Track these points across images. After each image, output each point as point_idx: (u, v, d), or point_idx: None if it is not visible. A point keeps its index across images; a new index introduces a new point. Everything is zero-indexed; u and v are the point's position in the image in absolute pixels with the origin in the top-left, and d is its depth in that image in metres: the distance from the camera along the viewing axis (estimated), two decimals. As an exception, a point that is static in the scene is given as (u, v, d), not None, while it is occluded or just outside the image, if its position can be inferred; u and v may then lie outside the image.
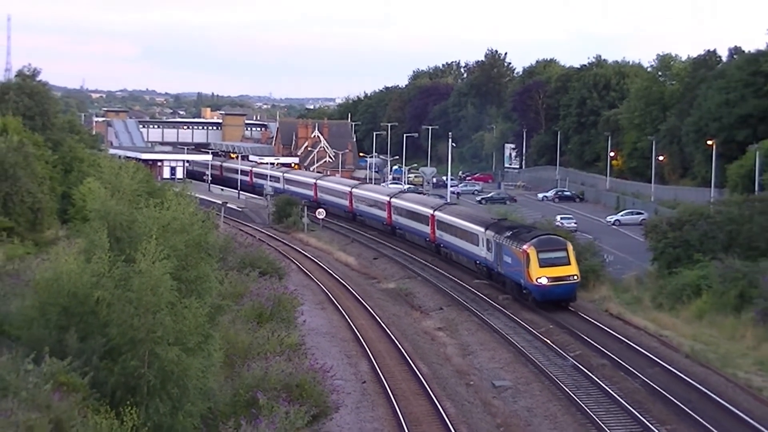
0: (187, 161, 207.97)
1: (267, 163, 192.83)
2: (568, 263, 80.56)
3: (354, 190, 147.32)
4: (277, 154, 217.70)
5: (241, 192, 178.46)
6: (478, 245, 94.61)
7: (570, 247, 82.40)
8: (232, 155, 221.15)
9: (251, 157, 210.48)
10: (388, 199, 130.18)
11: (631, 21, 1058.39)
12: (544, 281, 79.35)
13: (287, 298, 69.10)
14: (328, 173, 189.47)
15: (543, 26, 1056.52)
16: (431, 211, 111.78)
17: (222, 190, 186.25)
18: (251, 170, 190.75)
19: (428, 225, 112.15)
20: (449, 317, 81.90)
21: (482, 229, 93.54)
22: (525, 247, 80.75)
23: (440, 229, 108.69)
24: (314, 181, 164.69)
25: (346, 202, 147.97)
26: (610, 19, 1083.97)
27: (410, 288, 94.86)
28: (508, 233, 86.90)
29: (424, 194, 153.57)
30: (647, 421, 52.79)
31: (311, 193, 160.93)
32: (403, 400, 56.70)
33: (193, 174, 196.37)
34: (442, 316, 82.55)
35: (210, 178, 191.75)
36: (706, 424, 51.10)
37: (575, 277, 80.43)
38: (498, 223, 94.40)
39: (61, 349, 36.56)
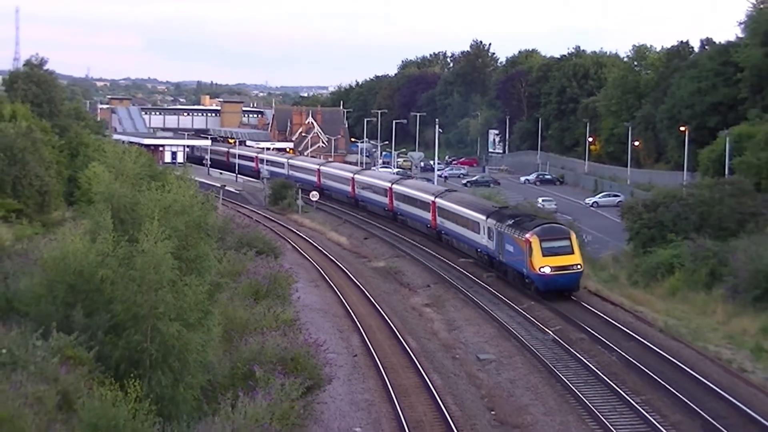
0: (188, 146, 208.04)
1: (271, 150, 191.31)
2: (572, 252, 75.89)
3: (356, 176, 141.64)
4: (272, 140, 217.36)
5: (239, 176, 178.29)
6: (479, 233, 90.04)
7: (573, 236, 77.81)
8: (230, 140, 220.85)
9: (248, 142, 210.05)
10: (389, 185, 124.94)
11: (609, 13, 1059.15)
12: (547, 270, 74.69)
13: (282, 276, 69.08)
14: (332, 160, 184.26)
15: (525, 19, 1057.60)
16: (432, 198, 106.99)
17: (221, 173, 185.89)
18: (256, 156, 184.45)
19: (429, 212, 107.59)
20: (436, 294, 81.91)
21: (483, 217, 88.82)
22: (527, 235, 76.04)
23: (441, 216, 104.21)
24: (317, 167, 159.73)
25: (349, 188, 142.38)
26: (588, 12, 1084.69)
27: (399, 266, 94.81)
28: (510, 222, 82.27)
29: (427, 180, 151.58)
30: (623, 391, 52.87)
31: (314, 179, 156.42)
32: (392, 373, 56.77)
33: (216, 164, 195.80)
34: (429, 293, 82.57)
35: (209, 162, 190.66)
36: (678, 395, 51.21)
37: (579, 267, 75.66)
38: (499, 212, 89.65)
39: (68, 325, 36.62)
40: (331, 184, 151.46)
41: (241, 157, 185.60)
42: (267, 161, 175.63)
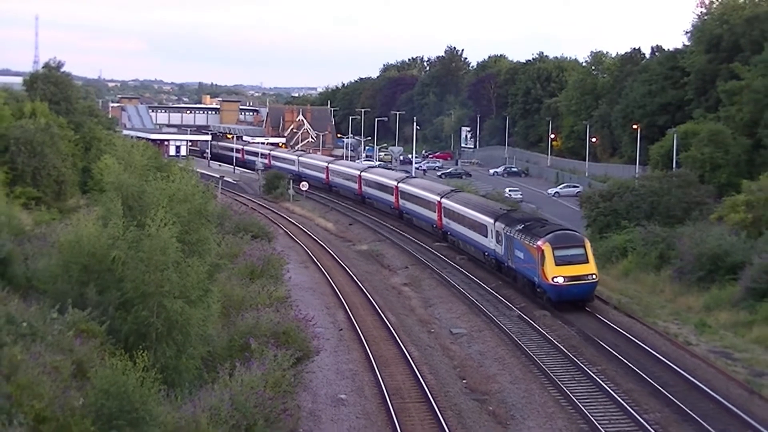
0: (191, 141, 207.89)
1: (281, 147, 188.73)
2: (586, 261, 65.77)
3: (363, 174, 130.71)
4: (267, 135, 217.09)
5: (236, 167, 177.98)
6: (486, 236, 79.41)
7: (587, 244, 67.75)
8: (228, 136, 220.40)
9: (256, 139, 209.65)
10: (395, 183, 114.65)
11: (569, 23, 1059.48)
12: (560, 281, 64.55)
13: (275, 258, 68.97)
14: (340, 157, 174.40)
15: (494, 27, 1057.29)
16: (438, 198, 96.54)
17: (220, 165, 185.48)
18: (269, 153, 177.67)
19: (435, 212, 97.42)
20: (413, 274, 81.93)
21: (491, 220, 78.17)
22: (539, 243, 65.97)
23: (447, 216, 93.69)
24: (326, 164, 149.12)
25: (356, 186, 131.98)
26: (551, 21, 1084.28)
27: (380, 249, 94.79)
28: (520, 226, 71.90)
29: (406, 172, 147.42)
30: (580, 362, 53.01)
31: (323, 176, 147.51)
32: (374, 345, 56.80)
33: (218, 157, 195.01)
34: (407, 274, 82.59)
35: (209, 155, 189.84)
36: (631, 365, 51.40)
37: (593, 276, 65.52)
38: (508, 215, 78.44)
39: (82, 301, 36.59)
40: (338, 181, 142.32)
41: (254, 154, 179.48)
42: (278, 158, 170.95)
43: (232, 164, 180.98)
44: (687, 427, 42.53)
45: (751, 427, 41.66)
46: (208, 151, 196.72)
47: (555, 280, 64.68)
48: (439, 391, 48.50)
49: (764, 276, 60.31)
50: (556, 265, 64.73)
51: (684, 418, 43.48)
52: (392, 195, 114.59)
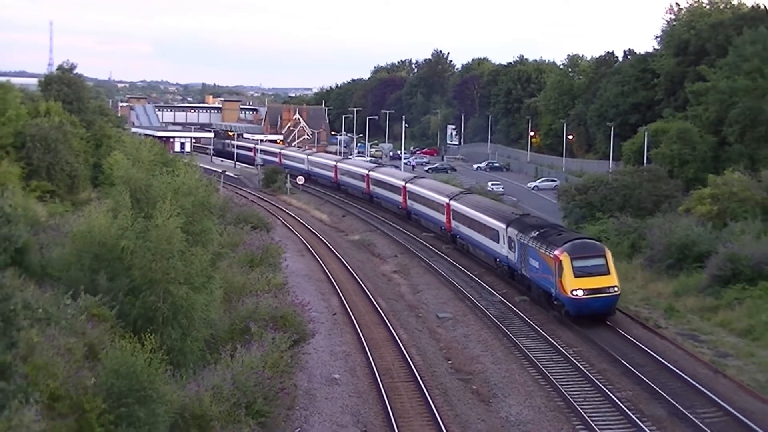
0: (195, 138, 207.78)
1: (293, 145, 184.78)
2: (607, 272, 57.46)
3: (371, 173, 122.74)
4: (265, 133, 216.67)
5: (238, 163, 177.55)
6: (498, 242, 71.51)
7: (608, 254, 59.08)
8: (230, 133, 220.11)
9: (245, 134, 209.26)
10: (403, 184, 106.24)
11: (547, 28, 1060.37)
12: (579, 294, 56.35)
13: (273, 247, 68.99)
14: (350, 157, 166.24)
15: (478, 32, 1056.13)
16: (447, 200, 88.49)
17: (222, 161, 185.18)
18: (280, 152, 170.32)
19: (444, 214, 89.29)
20: (403, 263, 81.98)
21: (503, 225, 70.33)
22: (557, 252, 58.04)
23: (456, 219, 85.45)
24: (335, 163, 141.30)
25: (364, 185, 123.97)
26: (530, 27, 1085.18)
27: (371, 239, 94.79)
28: (534, 233, 63.99)
29: (395, 167, 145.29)
30: (557, 344, 53.18)
31: (332, 174, 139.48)
32: (365, 329, 56.87)
33: (232, 155, 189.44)
34: (396, 262, 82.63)
35: (213, 151, 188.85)
36: (604, 347, 51.58)
37: (615, 289, 57.10)
38: (521, 220, 70.34)
39: (93, 288, 36.61)
40: (346, 180, 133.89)
41: (265, 153, 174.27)
42: (289, 157, 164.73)
43: (248, 163, 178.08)
44: (656, 404, 42.68)
45: (715, 404, 41.83)
46: (212, 149, 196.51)
47: (574, 293, 56.35)
48: (426, 371, 48.59)
49: (728, 264, 60.49)
50: (575, 276, 56.62)
51: (654, 396, 43.64)
52: (400, 195, 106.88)
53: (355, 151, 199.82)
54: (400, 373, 48.24)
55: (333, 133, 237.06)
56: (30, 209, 54.60)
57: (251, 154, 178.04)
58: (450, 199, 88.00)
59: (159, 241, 37.13)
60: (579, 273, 56.84)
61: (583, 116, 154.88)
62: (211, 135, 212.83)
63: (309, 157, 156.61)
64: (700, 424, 39.21)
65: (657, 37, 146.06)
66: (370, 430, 40.07)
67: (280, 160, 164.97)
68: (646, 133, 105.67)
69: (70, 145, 73.34)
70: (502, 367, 50.02)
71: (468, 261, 79.79)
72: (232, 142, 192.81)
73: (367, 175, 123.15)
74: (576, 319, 56.89)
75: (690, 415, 40.22)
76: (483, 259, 78.15)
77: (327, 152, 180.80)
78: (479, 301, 64.87)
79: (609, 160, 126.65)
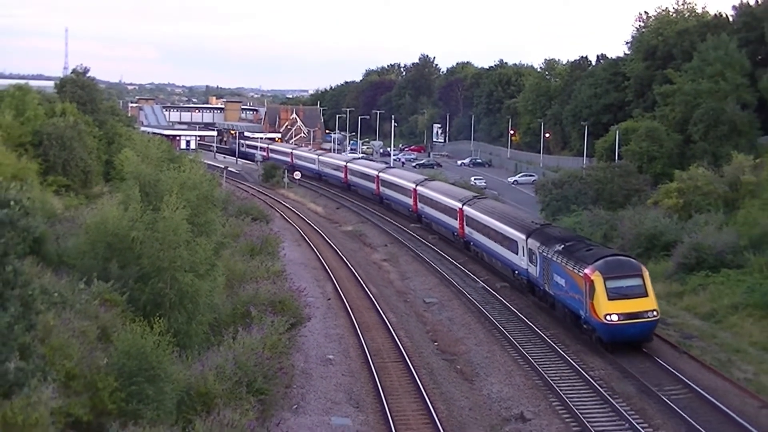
0: (199, 136, 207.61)
1: (302, 146, 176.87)
2: (645, 294, 47.63)
3: (381, 174, 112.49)
4: (265, 131, 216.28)
5: (246, 161, 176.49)
6: (517, 254, 61.78)
7: (646, 273, 48.78)
8: (232, 132, 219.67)
9: (246, 133, 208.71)
10: (413, 186, 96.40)
11: (526, 34, 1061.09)
12: (614, 319, 46.68)
13: (272, 237, 69.05)
14: (358, 157, 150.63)
15: (462, 38, 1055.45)
16: (459, 205, 78.87)
17: (224, 157, 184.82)
18: (291, 152, 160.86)
19: (456, 219, 79.20)
20: (392, 251, 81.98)
21: (523, 236, 60.38)
22: (587, 271, 48.17)
23: (470, 225, 75.40)
24: (345, 164, 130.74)
25: (374, 186, 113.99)
26: (510, 33, 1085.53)
27: (363, 230, 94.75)
28: (559, 246, 53.95)
29: (384, 163, 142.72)
30: (535, 327, 53.21)
31: (342, 175, 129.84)
32: (357, 313, 56.88)
33: (246, 155, 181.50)
34: (386, 251, 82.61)
35: (229, 151, 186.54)
36: (578, 330, 51.61)
37: (654, 313, 47.12)
38: (543, 231, 59.83)
39: (106, 275, 36.69)
40: (356, 181, 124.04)
41: (278, 153, 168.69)
42: (300, 157, 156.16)
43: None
44: (627, 383, 42.78)
45: (680, 381, 41.98)
46: (214, 145, 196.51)
47: (608, 317, 46.78)
48: (414, 352, 48.66)
49: (693, 253, 60.74)
50: (609, 299, 47.03)
51: (624, 375, 43.76)
52: (410, 198, 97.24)
53: (348, 148, 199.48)
54: (389, 353, 48.29)
55: (327, 131, 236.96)
56: (47, 202, 54.64)
57: (264, 153, 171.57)
58: (463, 204, 78.06)
59: (166, 231, 37.22)
60: (613, 295, 47.11)
61: (559, 116, 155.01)
62: (215, 133, 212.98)
63: (320, 157, 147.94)
64: (667, 401, 39.37)
65: (627, 43, 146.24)
66: (362, 407, 40.13)
67: (292, 160, 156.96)
68: (617, 132, 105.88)
69: (84, 143, 73.27)
70: (484, 348, 50.10)
71: (453, 251, 79.79)
72: (247, 142, 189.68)
73: (377, 176, 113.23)
74: (608, 347, 47.33)
75: (657, 392, 40.39)
76: (499, 269, 67.96)
77: (322, 149, 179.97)
78: (463, 287, 64.90)
79: (583, 156, 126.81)
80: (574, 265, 50.08)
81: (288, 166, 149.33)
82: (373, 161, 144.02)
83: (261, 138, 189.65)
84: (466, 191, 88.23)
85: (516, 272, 62.88)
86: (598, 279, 47.27)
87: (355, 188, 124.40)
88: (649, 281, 48.09)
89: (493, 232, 68.32)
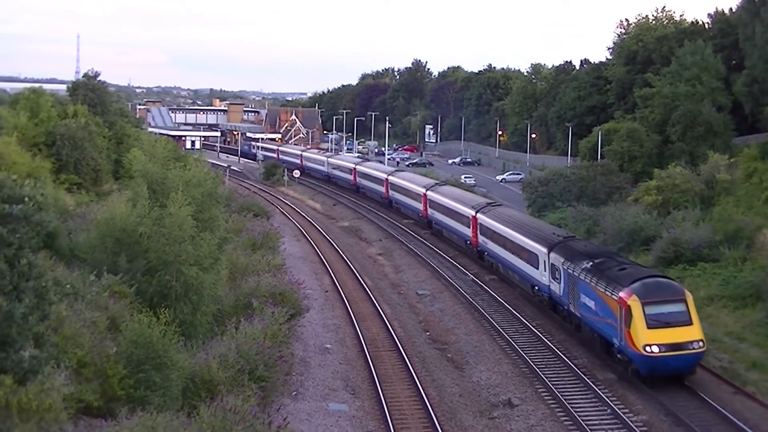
0: (204, 137, 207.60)
1: (311, 148, 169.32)
2: (689, 322, 40.39)
3: (390, 177, 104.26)
4: (266, 132, 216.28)
5: (248, 159, 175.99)
6: (538, 268, 54.07)
7: (689, 298, 41.43)
8: (234, 132, 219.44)
9: (248, 133, 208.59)
10: (424, 191, 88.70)
11: (513, 40, 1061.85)
12: (655, 350, 39.36)
13: (273, 232, 69.02)
14: (368, 159, 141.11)
15: (452, 43, 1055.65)
16: (472, 213, 71.03)
17: (227, 156, 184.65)
18: (301, 154, 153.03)
19: (469, 227, 71.80)
20: (386, 246, 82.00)
21: (544, 250, 52.89)
22: (623, 294, 41.01)
23: (484, 234, 67.78)
24: (353, 166, 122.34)
25: (383, 189, 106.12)
26: (498, 39, 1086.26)
27: (359, 226, 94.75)
28: (587, 264, 46.72)
29: (380, 162, 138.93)
30: (522, 317, 53.31)
31: (350, 177, 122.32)
32: (353, 304, 56.97)
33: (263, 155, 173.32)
34: (381, 245, 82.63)
35: (254, 156, 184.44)
36: (562, 320, 51.67)
37: (700, 344, 39.91)
38: (567, 244, 52.25)
39: (115, 268, 36.72)
40: (365, 183, 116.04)
41: (289, 154, 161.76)
42: (310, 159, 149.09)
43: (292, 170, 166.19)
44: (607, 371, 42.90)
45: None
46: (217, 145, 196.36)
47: (648, 349, 39.45)
48: (407, 341, 48.75)
49: (671, 247, 60.84)
50: (649, 327, 39.92)
51: (606, 363, 43.84)
52: (421, 203, 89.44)
53: (345, 148, 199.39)
54: (384, 343, 48.38)
55: (325, 132, 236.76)
56: (60, 199, 54.63)
57: (275, 155, 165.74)
58: (477, 212, 70.50)
59: (172, 227, 37.25)
60: (654, 323, 40.05)
61: (545, 118, 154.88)
62: (218, 134, 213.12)
63: (329, 159, 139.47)
64: (644, 387, 39.49)
65: (609, 49, 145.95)
66: (358, 393, 40.20)
67: (302, 161, 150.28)
68: (599, 133, 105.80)
69: (94, 143, 73.20)
70: (474, 337, 50.18)
71: (444, 245, 79.78)
72: (257, 144, 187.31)
73: (387, 179, 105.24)
74: (647, 380, 40.40)
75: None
76: (518, 284, 60.71)
77: (320, 148, 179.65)
78: (454, 280, 64.93)
79: (567, 156, 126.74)
80: (606, 287, 42.93)
81: (298, 167, 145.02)
82: (383, 164, 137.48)
83: (269, 139, 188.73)
84: (480, 198, 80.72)
85: (536, 288, 55.29)
86: (635, 304, 40.23)
87: (364, 191, 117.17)
88: (693, 307, 41.07)
89: (509, 242, 60.68)
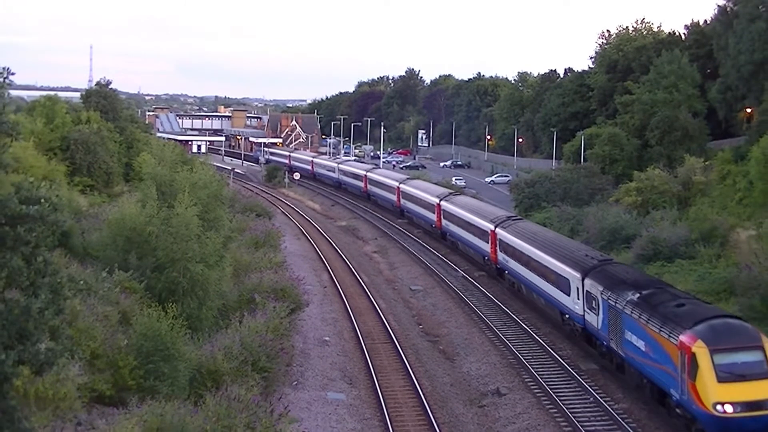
0: (209, 142, 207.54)
1: (322, 154, 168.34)
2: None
3: (402, 185, 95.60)
4: (267, 137, 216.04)
5: (251, 163, 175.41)
6: (569, 294, 44.81)
7: (767, 342, 31.60)
8: (237, 137, 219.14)
9: (250, 138, 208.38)
10: (437, 201, 79.60)
11: (501, 50, 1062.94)
12: (728, 410, 29.89)
13: (274, 231, 68.98)
14: (378, 166, 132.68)
15: (444, 53, 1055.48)
16: (491, 227, 61.65)
17: (231, 159, 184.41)
18: (312, 161, 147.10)
19: (488, 242, 62.58)
20: (382, 244, 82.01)
21: (577, 275, 43.61)
22: (685, 338, 31.60)
23: (504, 251, 58.30)
24: (365, 173, 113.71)
25: (394, 197, 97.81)
26: (487, 49, 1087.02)
27: (356, 225, 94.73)
28: (634, 296, 37.22)
29: (375, 165, 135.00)
30: (509, 312, 53.34)
31: (362, 184, 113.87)
32: (350, 299, 57.01)
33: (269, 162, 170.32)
34: (376, 244, 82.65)
35: (264, 161, 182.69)
36: (547, 318, 51.69)
37: None
38: (605, 270, 42.63)
39: (126, 265, 36.74)
40: (376, 191, 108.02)
41: (299, 160, 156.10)
42: (320, 165, 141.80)
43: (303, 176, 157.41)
44: (591, 363, 42.97)
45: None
46: (222, 149, 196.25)
47: (719, 408, 30.01)
48: (401, 334, 48.81)
49: (650, 245, 60.99)
50: (720, 381, 30.36)
51: (589, 354, 43.92)
52: (434, 213, 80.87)
53: (342, 151, 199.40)
54: (379, 335, 48.43)
55: (323, 136, 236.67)
56: (74, 200, 54.58)
57: (287, 161, 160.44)
58: (496, 227, 61.09)
59: (179, 226, 37.32)
60: (725, 376, 30.52)
61: (531, 123, 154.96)
62: (223, 138, 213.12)
63: (339, 165, 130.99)
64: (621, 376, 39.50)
65: (591, 58, 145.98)
66: (355, 383, 40.26)
67: (313, 168, 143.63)
68: (582, 137, 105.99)
69: (106, 148, 73.16)
70: (464, 330, 50.24)
71: (436, 243, 79.78)
72: (270, 149, 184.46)
73: (398, 187, 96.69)
74: None
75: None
76: (544, 308, 51.43)
77: (318, 152, 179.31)
78: (445, 276, 64.96)
79: (552, 159, 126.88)
80: (662, 326, 33.54)
81: (309, 173, 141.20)
82: (394, 171, 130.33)
83: (285, 148, 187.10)
84: (499, 210, 70.18)
85: (566, 316, 46.39)
86: (702, 352, 30.87)
87: (375, 198, 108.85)
88: None
89: (534, 263, 51.49)
